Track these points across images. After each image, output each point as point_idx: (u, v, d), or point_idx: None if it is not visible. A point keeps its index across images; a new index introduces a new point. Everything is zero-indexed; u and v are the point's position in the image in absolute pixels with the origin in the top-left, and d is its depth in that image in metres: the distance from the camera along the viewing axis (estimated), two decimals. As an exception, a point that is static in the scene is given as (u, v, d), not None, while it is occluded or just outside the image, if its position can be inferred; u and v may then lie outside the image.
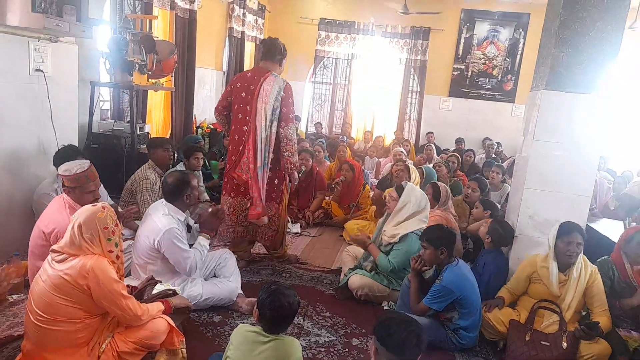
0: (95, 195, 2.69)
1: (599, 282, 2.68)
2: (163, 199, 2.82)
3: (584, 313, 2.79)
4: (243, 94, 3.38)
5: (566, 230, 2.70)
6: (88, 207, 2.03)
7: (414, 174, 4.31)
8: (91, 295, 1.93)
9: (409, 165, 4.49)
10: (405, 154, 6.40)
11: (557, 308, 2.69)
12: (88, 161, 2.73)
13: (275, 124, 3.36)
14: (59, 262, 1.94)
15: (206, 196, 4.60)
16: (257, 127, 3.32)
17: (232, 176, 3.42)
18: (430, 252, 2.71)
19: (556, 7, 3.10)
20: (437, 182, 4.21)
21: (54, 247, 2.00)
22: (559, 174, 3.13)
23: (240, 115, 3.41)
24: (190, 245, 2.82)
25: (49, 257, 2.00)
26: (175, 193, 2.76)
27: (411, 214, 3.24)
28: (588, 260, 2.75)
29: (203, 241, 2.87)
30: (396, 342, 1.62)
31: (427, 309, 2.67)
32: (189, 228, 2.94)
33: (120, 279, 2.04)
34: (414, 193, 3.31)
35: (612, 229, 3.72)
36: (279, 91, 3.33)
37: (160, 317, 2.19)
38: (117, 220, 2.09)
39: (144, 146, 4.12)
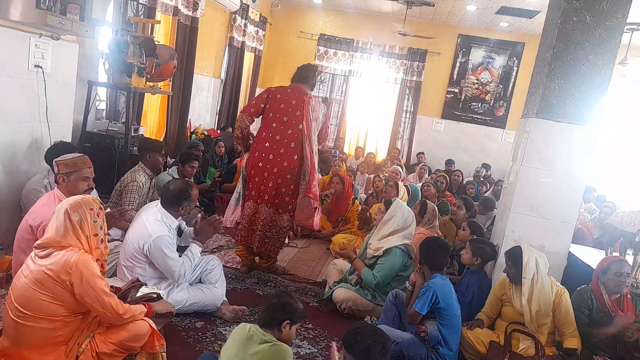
0: (90, 185, 2.69)
1: (566, 302, 2.74)
2: (158, 203, 2.79)
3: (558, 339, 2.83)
4: (282, 106, 3.54)
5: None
6: (70, 197, 2.08)
7: (402, 191, 4.37)
8: (73, 292, 1.91)
9: (399, 182, 4.56)
10: (402, 173, 6.46)
11: (530, 330, 2.73)
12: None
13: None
14: (42, 257, 1.93)
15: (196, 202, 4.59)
16: (312, 144, 3.54)
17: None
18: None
19: (550, 39, 3.20)
20: (427, 200, 4.27)
21: (38, 242, 1.98)
22: (544, 200, 3.19)
23: (274, 124, 3.53)
24: (181, 248, 2.81)
25: (32, 253, 1.98)
26: (174, 202, 2.74)
27: (396, 229, 3.29)
28: (554, 280, 2.84)
29: (195, 249, 2.85)
30: (361, 349, 1.73)
31: (415, 312, 2.59)
32: (179, 232, 2.93)
33: (102, 274, 2.03)
34: (401, 208, 3.36)
35: (594, 258, 3.77)
36: (323, 113, 3.72)
37: (142, 319, 2.16)
38: (101, 204, 2.11)
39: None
